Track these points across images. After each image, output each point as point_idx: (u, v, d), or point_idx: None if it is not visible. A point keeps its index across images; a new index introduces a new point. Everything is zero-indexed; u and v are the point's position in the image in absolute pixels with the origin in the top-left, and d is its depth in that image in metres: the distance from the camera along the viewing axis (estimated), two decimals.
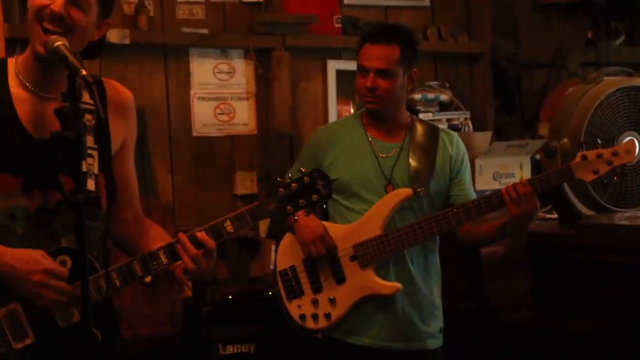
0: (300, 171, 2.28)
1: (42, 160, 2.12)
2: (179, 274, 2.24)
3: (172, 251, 2.20)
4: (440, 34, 5.41)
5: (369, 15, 5.20)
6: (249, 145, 4.79)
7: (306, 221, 3.05)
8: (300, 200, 2.26)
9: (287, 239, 3.15)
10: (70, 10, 2.10)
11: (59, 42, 2.06)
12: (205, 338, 3.66)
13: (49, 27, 2.09)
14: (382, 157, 3.09)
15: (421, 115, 5.07)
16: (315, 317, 3.08)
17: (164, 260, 2.21)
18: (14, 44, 4.04)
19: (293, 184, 2.26)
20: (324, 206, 3.20)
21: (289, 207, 2.26)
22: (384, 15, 5.27)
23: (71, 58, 2.02)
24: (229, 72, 4.73)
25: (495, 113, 5.50)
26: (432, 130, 3.17)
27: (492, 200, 2.95)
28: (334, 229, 3.08)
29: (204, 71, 4.67)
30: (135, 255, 2.23)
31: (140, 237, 2.34)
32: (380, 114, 3.12)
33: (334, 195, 3.10)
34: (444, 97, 5.23)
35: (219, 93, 4.72)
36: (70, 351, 2.07)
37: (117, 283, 2.18)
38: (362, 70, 3.06)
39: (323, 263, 3.08)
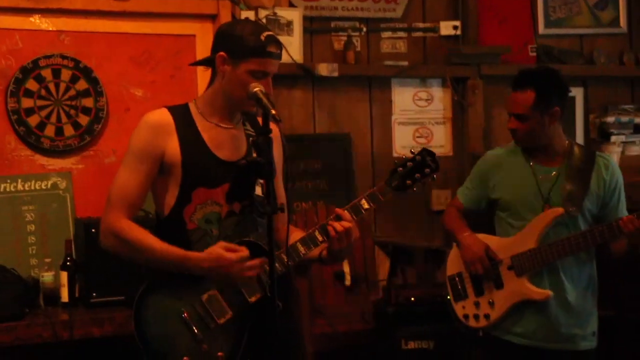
0: (412, 152, 2.79)
1: (236, 178, 2.75)
2: (324, 254, 2.79)
3: (325, 230, 2.75)
4: (637, 59, 5.52)
5: (564, 43, 5.44)
6: (444, 166, 5.09)
7: (469, 242, 3.51)
8: (417, 175, 2.79)
9: (455, 249, 3.61)
10: None
11: (257, 89, 2.68)
12: (391, 334, 4.18)
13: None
14: (542, 180, 3.45)
15: (613, 138, 5.32)
16: (476, 317, 3.52)
17: (320, 237, 2.77)
18: None
19: (409, 163, 2.79)
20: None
21: (408, 181, 2.80)
22: (579, 43, 5.46)
23: (265, 100, 2.63)
24: (427, 100, 5.22)
25: None
26: (589, 155, 3.49)
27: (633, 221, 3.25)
28: (494, 241, 3.50)
29: (405, 99, 5.17)
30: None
31: (290, 239, 2.84)
32: (533, 147, 3.48)
33: (499, 212, 3.54)
34: (638, 120, 5.42)
35: (418, 118, 5.21)
36: (259, 319, 2.67)
37: (285, 261, 2.76)
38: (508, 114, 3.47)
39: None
